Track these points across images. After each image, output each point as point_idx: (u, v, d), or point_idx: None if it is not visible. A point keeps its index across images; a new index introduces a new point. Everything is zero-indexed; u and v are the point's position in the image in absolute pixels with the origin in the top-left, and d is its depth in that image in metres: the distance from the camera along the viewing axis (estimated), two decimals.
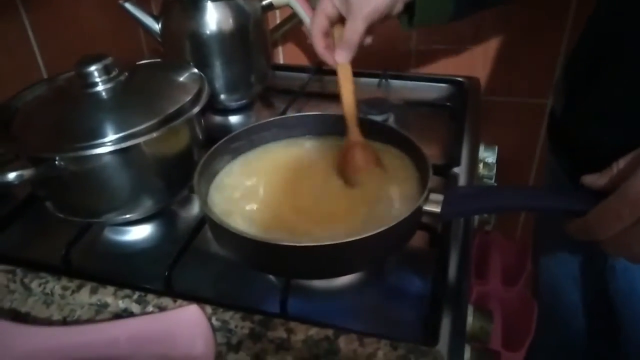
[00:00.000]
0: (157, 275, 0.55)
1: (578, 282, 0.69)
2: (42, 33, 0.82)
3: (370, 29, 0.58)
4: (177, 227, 0.67)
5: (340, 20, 0.59)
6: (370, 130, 0.63)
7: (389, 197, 0.57)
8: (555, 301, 0.73)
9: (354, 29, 0.56)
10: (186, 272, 0.57)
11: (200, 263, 0.60)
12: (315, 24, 0.58)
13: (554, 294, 0.73)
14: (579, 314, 0.71)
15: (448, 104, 0.89)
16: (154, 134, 0.58)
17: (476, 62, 1.02)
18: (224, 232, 0.50)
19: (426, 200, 0.52)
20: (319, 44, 0.59)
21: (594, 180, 0.42)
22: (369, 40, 0.61)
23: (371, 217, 0.54)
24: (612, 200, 0.39)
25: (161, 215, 0.68)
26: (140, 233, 0.66)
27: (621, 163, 0.40)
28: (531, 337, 0.72)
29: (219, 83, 0.84)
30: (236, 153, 0.65)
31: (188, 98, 0.63)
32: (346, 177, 0.59)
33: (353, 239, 0.47)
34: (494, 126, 1.02)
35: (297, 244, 0.47)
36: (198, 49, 0.81)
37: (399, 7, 0.59)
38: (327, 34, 0.60)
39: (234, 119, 0.91)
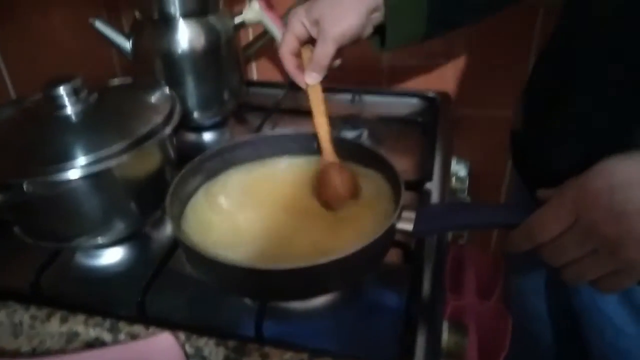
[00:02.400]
0: (130, 301, 0.54)
1: (544, 296, 0.71)
2: (10, 51, 0.80)
3: (339, 51, 0.59)
4: (150, 249, 0.67)
5: (310, 41, 0.59)
6: (342, 148, 0.64)
7: (364, 216, 0.57)
8: (524, 315, 0.74)
9: (324, 52, 0.56)
10: (160, 296, 0.56)
11: (174, 286, 0.59)
12: (284, 45, 0.59)
13: (523, 309, 0.74)
14: (547, 328, 0.73)
15: (420, 119, 0.91)
16: (125, 157, 0.57)
17: (447, 77, 1.04)
18: (197, 256, 0.50)
19: (399, 218, 0.53)
20: (289, 64, 0.59)
21: (547, 194, 0.44)
22: (338, 61, 0.62)
23: (346, 237, 0.54)
24: (550, 203, 0.41)
25: (134, 238, 0.67)
26: (112, 257, 0.65)
27: (571, 179, 0.42)
28: (506, 352, 0.73)
29: (191, 101, 0.84)
30: (210, 173, 0.65)
31: (160, 118, 0.63)
32: (323, 200, 0.59)
33: (328, 260, 0.47)
34: (466, 140, 1.04)
35: (273, 268, 0.47)
36: (170, 67, 0.81)
37: (369, 30, 0.59)
38: (297, 54, 0.60)
39: (207, 136, 0.91)
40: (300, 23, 0.58)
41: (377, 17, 0.59)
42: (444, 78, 1.04)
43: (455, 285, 0.82)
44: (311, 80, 0.59)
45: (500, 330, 0.74)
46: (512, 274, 0.77)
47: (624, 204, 0.38)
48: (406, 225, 0.53)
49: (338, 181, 0.59)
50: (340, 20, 0.56)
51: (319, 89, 0.60)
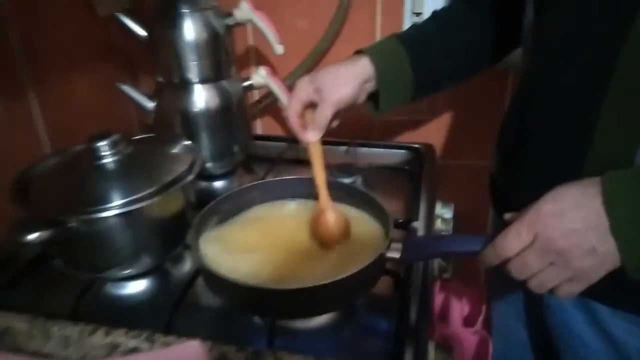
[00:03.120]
0: (159, 322, 0.62)
1: (524, 321, 0.78)
2: (48, 111, 0.91)
3: (336, 115, 0.69)
4: (171, 281, 0.75)
5: (312, 105, 0.70)
6: (339, 191, 0.75)
7: (358, 253, 0.66)
8: (506, 340, 0.82)
9: (323, 114, 0.67)
10: (183, 320, 0.65)
11: (195, 312, 0.68)
12: (291, 108, 0.69)
13: (504, 334, 0.82)
14: (527, 351, 0.80)
15: (407, 167, 1.02)
16: (154, 200, 0.67)
17: (431, 131, 1.16)
18: (216, 279, 0.59)
19: (388, 248, 0.63)
20: (294, 124, 0.70)
21: (510, 216, 0.53)
22: (336, 122, 0.72)
23: (342, 269, 0.63)
24: (514, 224, 0.50)
25: (156, 271, 0.76)
26: (138, 287, 0.74)
27: (531, 204, 0.51)
28: None
29: (205, 153, 0.95)
30: (225, 214, 0.75)
31: (183, 167, 0.74)
32: (318, 238, 0.69)
33: (327, 281, 0.56)
34: (450, 186, 1.15)
35: (279, 288, 0.57)
36: (188, 124, 0.92)
37: (363, 97, 0.71)
38: (301, 116, 0.71)
39: (218, 184, 1.01)
40: (304, 90, 0.68)
41: (370, 86, 0.70)
42: (429, 132, 1.16)
43: (442, 315, 0.91)
44: (312, 137, 0.69)
45: (482, 353, 0.82)
46: (494, 301, 0.85)
47: (573, 223, 0.47)
48: (394, 254, 0.63)
49: (332, 222, 0.69)
50: (338, 89, 0.67)
51: (318, 145, 0.70)
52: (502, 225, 0.51)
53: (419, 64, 0.71)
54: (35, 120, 0.89)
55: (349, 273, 0.57)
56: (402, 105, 0.75)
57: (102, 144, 0.70)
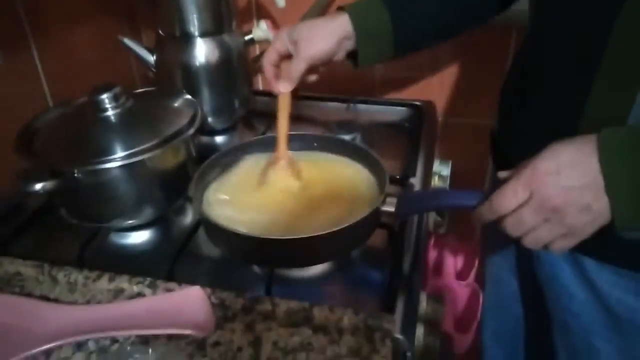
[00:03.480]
0: (161, 270, 0.65)
1: (515, 273, 0.81)
2: (47, 60, 0.92)
3: (313, 70, 0.70)
4: (173, 232, 0.78)
5: (289, 57, 0.70)
6: (338, 146, 0.77)
7: (355, 205, 0.68)
8: (498, 290, 0.85)
9: (296, 67, 0.68)
10: (185, 268, 0.67)
11: (196, 261, 0.70)
12: (267, 57, 0.70)
13: (496, 285, 0.85)
14: (517, 301, 0.83)
15: (407, 125, 1.03)
16: (156, 152, 0.68)
17: (432, 87, 1.15)
18: (215, 229, 0.61)
19: (384, 202, 0.65)
20: (268, 72, 0.71)
21: (505, 174, 0.53)
22: (313, 77, 0.73)
23: (338, 221, 0.65)
24: (510, 181, 0.51)
25: (159, 221, 0.78)
26: (141, 237, 0.76)
27: (525, 161, 0.52)
28: (477, 321, 0.84)
29: (206, 108, 0.95)
30: (225, 167, 0.77)
31: (184, 121, 0.75)
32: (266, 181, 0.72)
33: (324, 232, 0.58)
34: (449, 144, 1.15)
35: (277, 237, 0.59)
36: (189, 78, 0.92)
37: (341, 54, 0.70)
38: (277, 67, 0.71)
39: (219, 139, 1.02)
40: (281, 41, 0.69)
41: (350, 44, 0.69)
42: (430, 89, 1.15)
43: (437, 269, 0.94)
44: (283, 88, 0.70)
45: (473, 304, 0.85)
46: (487, 254, 0.87)
47: (569, 180, 0.47)
48: (390, 208, 0.64)
49: (282, 171, 0.72)
50: (313, 44, 0.67)
51: (287, 96, 0.71)
52: (500, 183, 0.52)
53: (399, 22, 0.69)
54: (37, 71, 0.90)
55: (344, 225, 0.59)
56: (384, 61, 0.74)
57: (104, 97, 0.71)
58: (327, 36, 0.67)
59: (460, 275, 0.90)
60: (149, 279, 0.60)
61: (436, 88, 1.16)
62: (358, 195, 0.71)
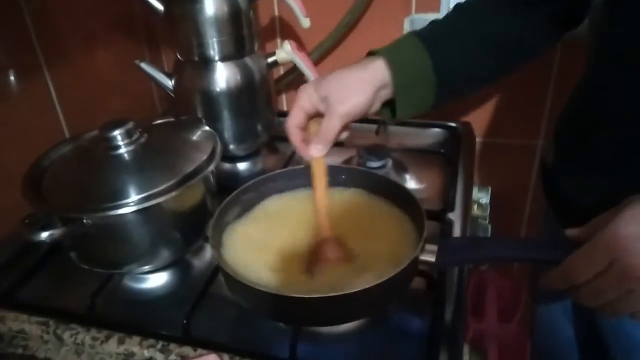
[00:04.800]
0: (177, 322, 0.60)
1: (572, 318, 0.73)
2: (64, 87, 0.88)
3: (345, 126, 0.61)
4: (191, 275, 0.72)
5: (317, 115, 0.61)
6: (366, 180, 0.70)
7: (387, 251, 0.61)
8: (551, 337, 0.77)
9: (331, 127, 0.59)
10: (203, 318, 0.62)
11: (216, 309, 0.65)
12: (292, 119, 0.61)
13: (550, 330, 0.77)
14: (574, 351, 0.75)
15: (442, 149, 0.95)
16: (173, 193, 0.63)
17: (469, 107, 1.08)
18: (236, 283, 0.55)
19: (422, 250, 0.57)
20: (294, 137, 0.61)
21: (575, 233, 0.47)
22: (344, 135, 0.63)
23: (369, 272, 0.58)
24: (585, 247, 0.44)
25: (176, 264, 0.73)
26: (157, 281, 0.71)
27: (598, 218, 0.45)
28: None
29: (228, 134, 0.90)
30: (246, 204, 0.71)
31: (203, 156, 0.69)
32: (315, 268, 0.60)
33: (357, 289, 0.52)
34: (487, 167, 1.07)
35: (306, 296, 0.52)
36: (209, 103, 0.87)
37: (377, 106, 0.62)
38: (303, 128, 0.62)
39: (242, 166, 0.97)
40: (308, 99, 0.60)
41: (386, 93, 0.61)
42: (466, 108, 1.08)
43: (476, 309, 0.86)
44: (317, 152, 0.60)
45: (519, 352, 0.77)
46: (538, 297, 0.79)
47: None
48: (429, 257, 0.57)
49: (332, 257, 0.61)
50: (347, 98, 0.58)
51: (322, 162, 0.62)
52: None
53: (442, 67, 0.61)
54: (52, 99, 0.86)
55: (378, 281, 0.52)
56: (424, 111, 0.65)
57: (116, 133, 0.66)
58: (363, 88, 0.59)
59: (505, 317, 0.82)
60: (161, 343, 0.54)
61: (472, 107, 1.08)
62: (389, 238, 0.64)
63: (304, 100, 0.60)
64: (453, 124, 1.01)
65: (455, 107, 1.08)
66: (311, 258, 0.61)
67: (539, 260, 0.51)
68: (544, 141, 0.97)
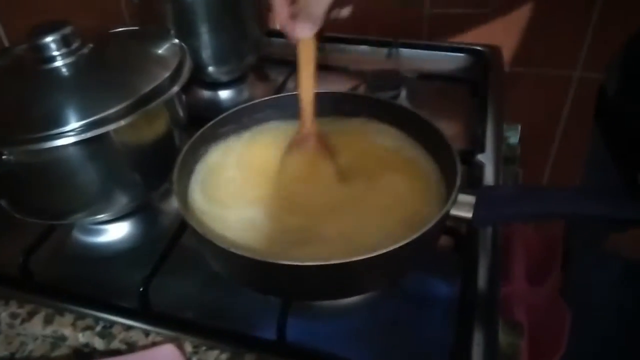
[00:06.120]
0: (132, 290, 0.46)
1: (619, 288, 0.62)
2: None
3: (342, 1, 0.48)
4: (158, 225, 0.59)
5: None
6: (378, 110, 0.56)
7: (402, 200, 0.48)
8: (589, 307, 0.66)
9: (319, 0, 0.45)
10: (167, 283, 0.49)
11: (185, 270, 0.51)
12: None
13: (589, 300, 0.67)
14: (615, 322, 0.64)
15: (467, 77, 0.81)
16: (125, 120, 0.48)
17: (497, 29, 0.95)
18: (208, 245, 0.41)
19: (454, 202, 0.43)
20: (280, 13, 0.48)
21: None
22: (344, 12, 0.52)
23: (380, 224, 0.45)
24: None
25: (140, 212, 0.59)
26: (115, 234, 0.58)
27: None
28: (562, 352, 0.64)
29: (206, 53, 0.74)
30: (223, 139, 0.56)
31: (167, 74, 0.53)
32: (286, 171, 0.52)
33: (366, 256, 0.38)
34: (515, 102, 0.93)
35: (301, 264, 0.38)
36: (182, 13, 0.71)
37: None
38: (293, 1, 0.48)
39: (224, 94, 0.82)
40: None
41: None
42: (494, 30, 0.95)
43: (502, 269, 0.72)
44: (302, 32, 0.47)
45: (555, 326, 0.65)
46: (578, 261, 0.69)
47: None
48: (464, 213, 0.43)
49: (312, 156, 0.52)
50: None
51: (310, 44, 0.49)
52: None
53: None
54: None
55: (397, 244, 0.38)
56: None
57: (49, 40, 0.49)
58: None
59: (535, 278, 0.69)
60: (101, 324, 0.40)
61: (501, 29, 0.94)
62: (406, 184, 0.50)
63: None
64: (479, 48, 0.86)
65: (482, 27, 0.93)
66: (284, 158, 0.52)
67: (618, 220, 0.37)
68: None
